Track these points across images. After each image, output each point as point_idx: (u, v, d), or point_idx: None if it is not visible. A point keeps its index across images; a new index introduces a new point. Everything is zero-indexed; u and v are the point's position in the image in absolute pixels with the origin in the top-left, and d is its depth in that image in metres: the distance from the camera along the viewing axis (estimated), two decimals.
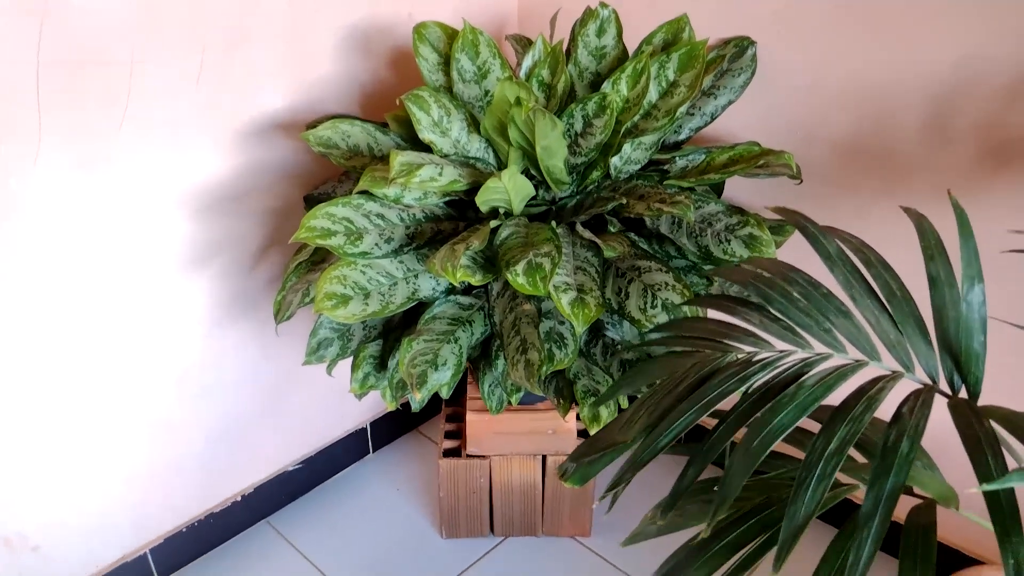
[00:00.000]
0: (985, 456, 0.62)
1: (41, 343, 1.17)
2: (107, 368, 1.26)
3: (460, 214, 1.20)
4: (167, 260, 1.27)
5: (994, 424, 0.64)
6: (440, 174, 1.04)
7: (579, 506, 1.55)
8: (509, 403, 1.19)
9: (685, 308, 1.01)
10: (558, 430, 1.45)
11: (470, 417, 1.43)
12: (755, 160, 1.13)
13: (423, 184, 1.02)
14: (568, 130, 1.14)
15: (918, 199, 1.24)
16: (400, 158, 1.01)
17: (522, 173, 1.13)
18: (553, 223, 1.08)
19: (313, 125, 1.33)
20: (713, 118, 1.34)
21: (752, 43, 1.33)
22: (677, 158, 1.24)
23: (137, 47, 1.11)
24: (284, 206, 1.40)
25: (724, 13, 1.34)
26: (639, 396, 1.05)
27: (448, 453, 1.50)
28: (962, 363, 0.72)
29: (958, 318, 0.72)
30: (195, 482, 1.47)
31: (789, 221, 0.84)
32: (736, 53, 1.33)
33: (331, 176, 1.43)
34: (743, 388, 0.73)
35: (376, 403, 1.78)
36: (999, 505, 0.60)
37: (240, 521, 1.57)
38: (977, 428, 0.64)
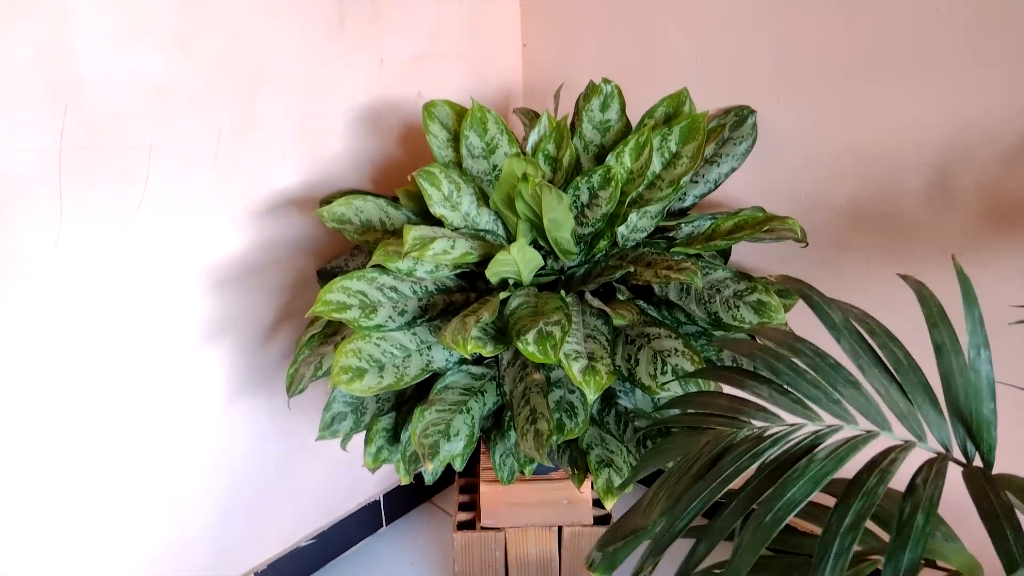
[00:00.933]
0: (1003, 530, 0.61)
1: (59, 421, 1.18)
2: (124, 445, 1.26)
3: (471, 285, 1.22)
4: (184, 335, 1.28)
5: (1011, 495, 0.64)
6: (452, 247, 1.06)
7: None
8: (522, 473, 1.19)
9: (698, 382, 1.01)
10: (573, 500, 1.44)
11: (484, 488, 1.42)
12: (760, 226, 1.15)
13: (436, 257, 1.04)
14: (575, 202, 1.16)
15: (923, 262, 1.25)
16: (413, 232, 1.04)
17: (531, 244, 1.15)
18: (563, 292, 1.09)
19: (327, 201, 1.37)
20: (717, 185, 1.36)
21: (752, 112, 1.36)
22: (683, 225, 1.26)
23: (155, 131, 1.15)
24: (297, 280, 1.42)
25: (724, 83, 1.38)
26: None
27: (462, 526, 1.48)
28: (974, 431, 0.72)
29: (967, 385, 0.72)
30: (208, 559, 1.46)
31: (793, 290, 0.85)
32: (737, 122, 1.36)
33: (343, 250, 1.46)
34: (756, 464, 0.73)
35: (389, 475, 1.77)
36: None
37: None
38: (993, 499, 0.64)
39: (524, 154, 1.19)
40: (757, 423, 0.76)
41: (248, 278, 1.34)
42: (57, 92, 1.04)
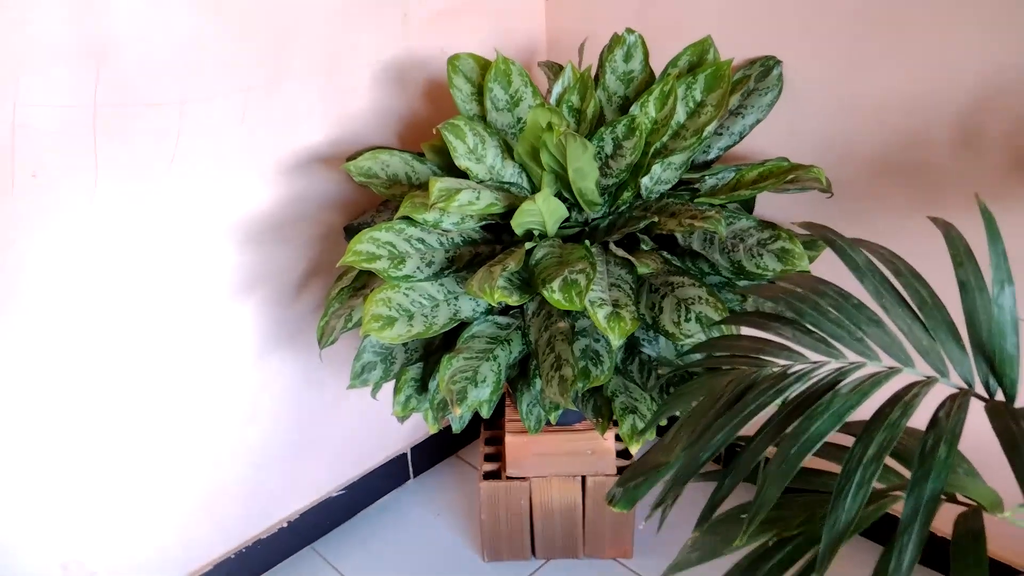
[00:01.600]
0: None
1: (98, 373, 1.22)
2: (163, 398, 1.30)
3: (496, 237, 1.24)
4: (216, 289, 1.32)
5: None
6: (477, 198, 1.08)
7: (620, 527, 1.55)
8: (548, 422, 1.21)
9: (721, 327, 1.03)
10: (596, 450, 1.46)
11: (509, 439, 1.45)
12: (784, 175, 1.15)
13: (461, 208, 1.05)
14: (599, 152, 1.17)
15: (950, 211, 1.24)
16: (439, 184, 1.05)
17: (555, 195, 1.16)
18: (587, 242, 1.11)
19: (353, 157, 1.38)
20: (741, 137, 1.36)
21: (778, 62, 1.35)
22: (707, 177, 1.26)
23: (187, 88, 1.17)
24: (325, 235, 1.45)
25: (748, 33, 1.37)
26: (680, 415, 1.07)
27: (488, 476, 1.51)
28: (996, 366, 0.73)
29: (990, 322, 0.73)
30: (243, 508, 1.51)
31: (816, 235, 0.85)
32: (762, 72, 1.35)
33: (370, 206, 1.48)
34: (779, 400, 0.74)
35: (416, 428, 1.80)
36: None
37: (286, 547, 1.60)
38: (1015, 431, 0.65)
39: (548, 105, 1.20)
40: (781, 361, 0.78)
41: (277, 233, 1.37)
42: (91, 49, 1.06)
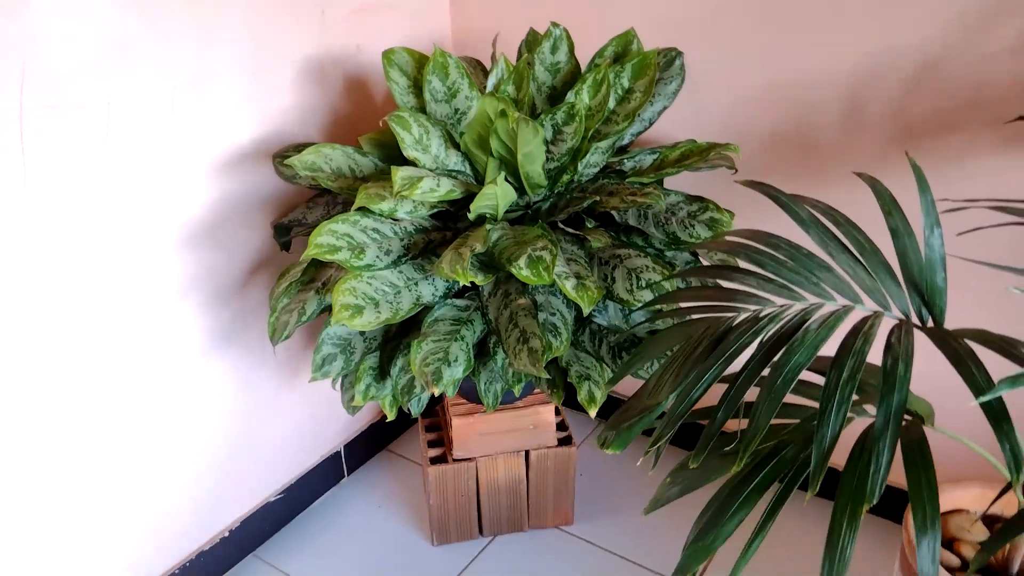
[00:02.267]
0: (970, 367, 0.75)
1: (27, 394, 1.15)
2: (97, 413, 1.24)
3: (444, 224, 1.28)
4: (149, 295, 1.27)
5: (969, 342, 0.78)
6: (438, 185, 1.12)
7: (561, 497, 1.64)
8: (512, 394, 1.27)
9: (667, 284, 1.13)
10: (538, 424, 1.54)
11: (457, 421, 1.49)
12: (705, 153, 1.27)
13: (424, 195, 1.09)
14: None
15: (836, 182, 1.41)
16: (401, 172, 1.08)
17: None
18: (540, 222, 1.18)
19: (280, 154, 1.38)
20: (651, 123, 1.47)
21: (679, 53, 1.48)
22: (626, 160, 1.37)
23: (113, 87, 1.13)
24: (257, 233, 1.43)
25: (652, 26, 1.49)
26: (642, 372, 1.16)
27: (435, 460, 1.55)
28: (928, 298, 0.87)
29: (920, 261, 0.86)
30: (184, 520, 1.46)
31: (762, 192, 0.97)
32: (666, 63, 1.47)
33: (299, 202, 1.47)
34: (758, 340, 0.84)
35: (348, 426, 1.80)
36: (991, 407, 0.73)
37: (230, 556, 1.56)
38: (957, 346, 0.78)
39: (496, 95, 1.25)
40: (750, 306, 0.88)
41: (209, 232, 1.34)
42: (15, 49, 1.01)
